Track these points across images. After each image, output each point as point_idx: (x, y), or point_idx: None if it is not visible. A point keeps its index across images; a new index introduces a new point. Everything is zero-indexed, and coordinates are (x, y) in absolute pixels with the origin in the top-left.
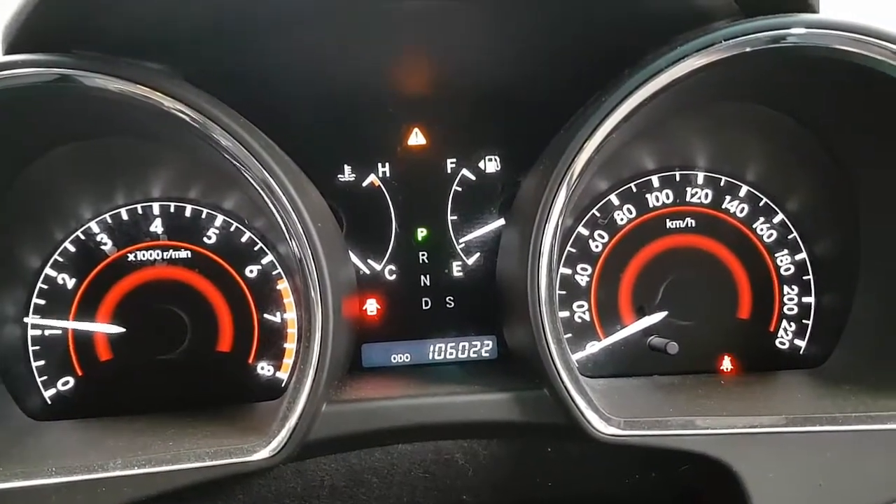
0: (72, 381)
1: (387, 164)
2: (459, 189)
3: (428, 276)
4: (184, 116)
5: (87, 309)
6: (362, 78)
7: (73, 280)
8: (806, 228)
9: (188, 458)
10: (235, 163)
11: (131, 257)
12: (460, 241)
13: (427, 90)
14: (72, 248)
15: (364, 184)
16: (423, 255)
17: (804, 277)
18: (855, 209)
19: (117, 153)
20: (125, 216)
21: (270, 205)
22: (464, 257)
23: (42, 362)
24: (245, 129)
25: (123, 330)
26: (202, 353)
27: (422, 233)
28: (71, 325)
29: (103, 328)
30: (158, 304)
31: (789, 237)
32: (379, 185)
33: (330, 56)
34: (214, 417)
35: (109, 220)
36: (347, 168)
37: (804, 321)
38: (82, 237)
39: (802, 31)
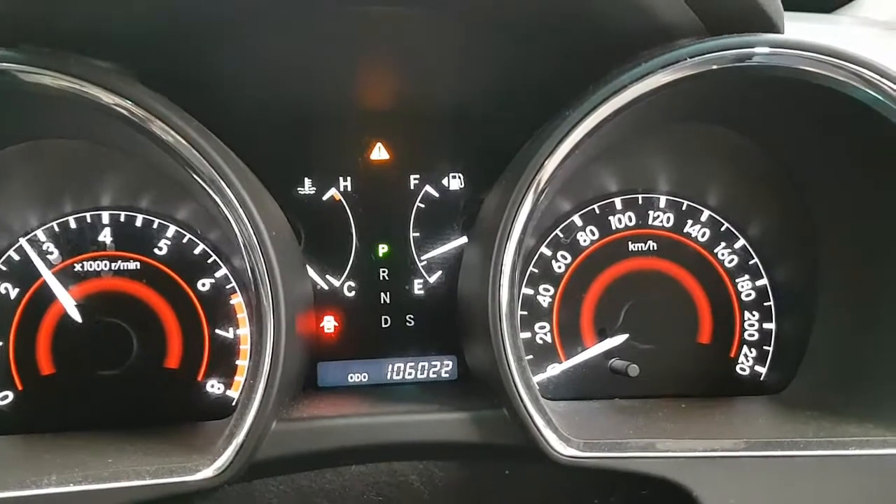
0: (11, 395)
1: (348, 179)
2: (422, 206)
3: (388, 294)
4: (123, 111)
5: (29, 321)
6: (324, 89)
7: (17, 290)
8: (767, 254)
9: (127, 476)
10: (182, 163)
11: (77, 267)
12: (422, 258)
13: (391, 105)
14: (16, 257)
15: (324, 197)
16: (383, 271)
17: (765, 303)
18: (814, 235)
19: (66, 157)
20: (73, 224)
21: (222, 207)
22: (425, 275)
23: None
24: (197, 130)
25: (80, 320)
26: (149, 370)
27: (383, 249)
28: (48, 275)
29: (69, 301)
30: (104, 317)
31: (750, 263)
32: (340, 200)
33: (291, 65)
34: (159, 435)
35: (56, 228)
36: (308, 181)
37: (765, 347)
38: (27, 245)
39: (767, 50)
